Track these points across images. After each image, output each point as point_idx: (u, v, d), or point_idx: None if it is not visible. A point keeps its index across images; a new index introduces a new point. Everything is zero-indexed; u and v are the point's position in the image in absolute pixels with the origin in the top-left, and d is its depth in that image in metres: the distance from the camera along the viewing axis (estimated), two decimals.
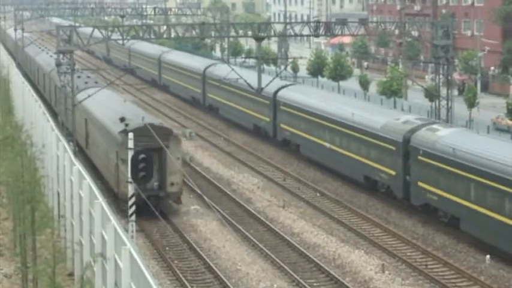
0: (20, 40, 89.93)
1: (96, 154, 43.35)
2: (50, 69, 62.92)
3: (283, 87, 56.18)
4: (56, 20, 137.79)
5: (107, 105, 44.79)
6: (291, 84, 57.68)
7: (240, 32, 57.06)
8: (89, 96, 46.52)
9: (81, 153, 46.48)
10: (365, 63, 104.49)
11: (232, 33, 56.56)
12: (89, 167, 39.70)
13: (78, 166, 28.31)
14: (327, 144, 47.20)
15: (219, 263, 32.93)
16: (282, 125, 54.05)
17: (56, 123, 39.95)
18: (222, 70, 64.84)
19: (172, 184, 38.11)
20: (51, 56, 67.24)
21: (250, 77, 55.19)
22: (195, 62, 76.34)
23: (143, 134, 35.28)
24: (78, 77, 53.53)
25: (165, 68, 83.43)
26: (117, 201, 38.08)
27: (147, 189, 35.45)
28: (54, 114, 50.18)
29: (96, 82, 55.64)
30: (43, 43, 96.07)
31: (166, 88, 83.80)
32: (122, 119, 39.13)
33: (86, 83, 53.48)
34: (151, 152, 29.59)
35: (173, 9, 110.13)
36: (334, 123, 46.44)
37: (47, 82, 66.70)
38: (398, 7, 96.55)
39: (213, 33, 61.68)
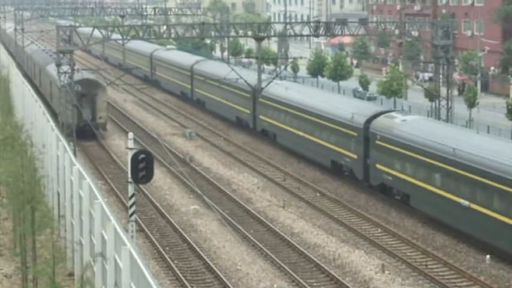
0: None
1: (55, 102, 58.24)
2: (31, 52, 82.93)
3: None
4: (60, 22, 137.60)
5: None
6: None
7: (240, 32, 57.07)
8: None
9: (47, 105, 57.53)
10: (354, 62, 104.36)
11: (232, 33, 56.62)
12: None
13: (78, 166, 28.32)
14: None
15: (219, 263, 32.94)
16: None
17: (55, 122, 40.03)
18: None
19: (100, 117, 57.40)
20: (36, 44, 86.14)
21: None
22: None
23: (81, 84, 54.19)
24: (46, 52, 73.90)
25: (264, 106, 57.16)
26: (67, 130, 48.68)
27: (83, 120, 50.94)
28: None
29: None
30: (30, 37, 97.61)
31: (265, 134, 57.96)
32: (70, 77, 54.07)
33: (52, 56, 66.74)
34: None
35: (173, 9, 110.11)
36: None
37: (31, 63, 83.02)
38: (398, 7, 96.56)
39: (213, 33, 61.75)
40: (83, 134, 53.97)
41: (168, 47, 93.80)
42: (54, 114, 52.96)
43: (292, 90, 54.95)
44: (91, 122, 53.23)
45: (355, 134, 44.01)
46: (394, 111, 45.45)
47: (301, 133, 50.51)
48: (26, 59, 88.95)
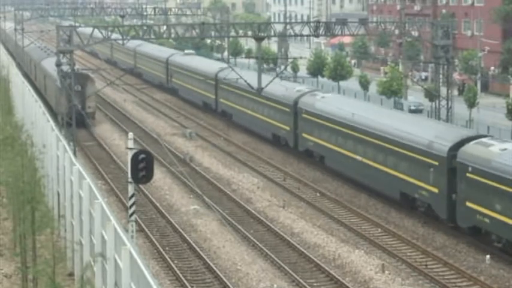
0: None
1: (49, 93, 66.35)
2: (27, 49, 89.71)
3: None
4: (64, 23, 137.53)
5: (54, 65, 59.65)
6: None
7: (240, 32, 56.99)
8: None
9: (41, 96, 61.03)
10: (352, 61, 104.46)
11: (232, 33, 56.56)
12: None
13: (78, 166, 28.32)
14: None
15: (219, 263, 32.95)
16: None
17: (55, 122, 40.04)
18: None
19: (89, 107, 61.90)
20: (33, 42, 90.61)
21: None
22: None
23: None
24: (41, 49, 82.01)
25: (309, 123, 50.08)
26: (56, 117, 51.50)
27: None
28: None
29: (55, 53, 79.51)
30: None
31: (309, 155, 51.19)
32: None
33: (46, 53, 77.63)
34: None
35: (173, 9, 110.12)
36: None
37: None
38: (398, 7, 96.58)
39: (213, 33, 61.70)
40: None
41: (187, 51, 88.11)
42: (46, 104, 58.39)
43: (346, 105, 47.79)
44: (82, 112, 55.27)
45: (436, 163, 36.77)
46: (485, 136, 37.62)
47: (358, 157, 43.41)
48: (23, 56, 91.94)
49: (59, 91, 52.59)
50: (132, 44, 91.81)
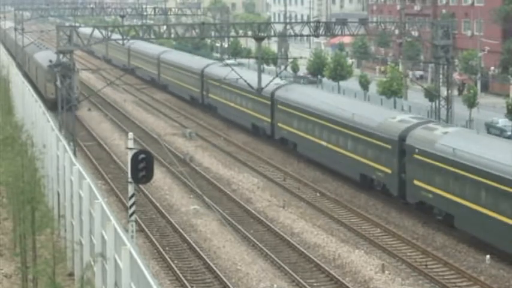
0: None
1: (39, 82, 75.19)
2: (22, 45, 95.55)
3: None
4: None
5: (45, 58, 72.08)
6: None
7: (240, 32, 57.00)
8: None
9: (33, 84, 69.01)
10: (350, 61, 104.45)
11: (232, 33, 56.58)
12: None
13: (78, 166, 28.32)
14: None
15: (219, 263, 32.95)
16: None
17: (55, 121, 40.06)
18: None
19: (74, 93, 61.20)
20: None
21: None
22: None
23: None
24: (35, 44, 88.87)
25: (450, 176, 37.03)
26: (47, 103, 57.19)
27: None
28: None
29: (46, 48, 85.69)
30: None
31: (440, 219, 38.23)
32: (50, 61, 64.86)
33: (39, 47, 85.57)
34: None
35: (173, 9, 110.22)
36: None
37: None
38: (398, 7, 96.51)
39: (213, 33, 61.71)
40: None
41: (226, 61, 75.91)
42: (37, 90, 64.77)
43: (487, 147, 35.12)
44: (70, 97, 60.18)
45: None
46: None
47: None
48: (19, 51, 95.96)
49: (51, 81, 57.86)
50: (155, 50, 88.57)
